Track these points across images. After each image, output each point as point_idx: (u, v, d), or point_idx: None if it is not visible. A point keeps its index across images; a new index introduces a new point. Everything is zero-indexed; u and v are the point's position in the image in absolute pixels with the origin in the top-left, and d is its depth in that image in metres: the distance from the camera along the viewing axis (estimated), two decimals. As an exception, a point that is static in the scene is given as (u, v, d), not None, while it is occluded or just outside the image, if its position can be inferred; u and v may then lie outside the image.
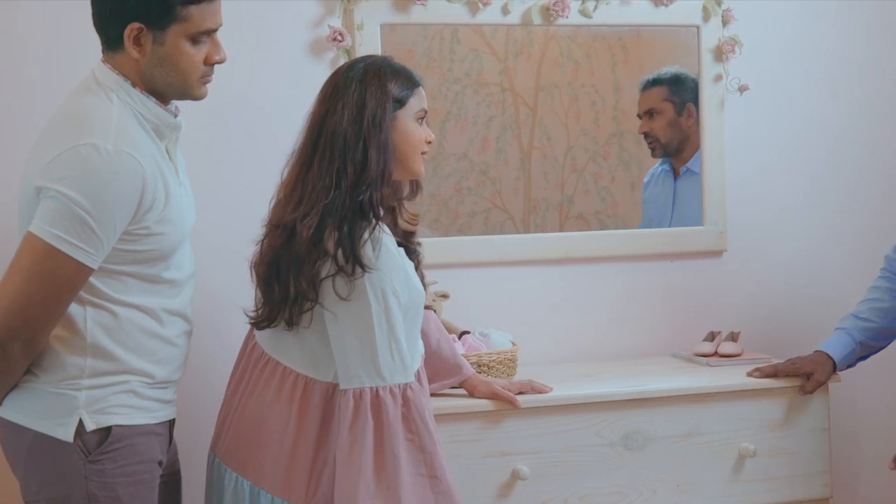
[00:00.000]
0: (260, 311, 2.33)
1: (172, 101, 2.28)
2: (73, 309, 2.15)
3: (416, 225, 2.46)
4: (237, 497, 2.33)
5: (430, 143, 2.38)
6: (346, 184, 2.24)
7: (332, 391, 2.30)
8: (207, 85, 2.27)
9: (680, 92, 3.36)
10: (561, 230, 3.29)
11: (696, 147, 3.36)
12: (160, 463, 2.29)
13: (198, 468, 2.59)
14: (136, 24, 2.14)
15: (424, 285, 2.44)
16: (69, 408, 2.16)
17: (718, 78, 3.35)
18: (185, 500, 2.52)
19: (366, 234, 2.23)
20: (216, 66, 2.26)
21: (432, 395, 2.58)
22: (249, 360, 2.40)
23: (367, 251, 2.22)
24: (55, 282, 2.08)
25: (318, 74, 2.87)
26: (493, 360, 2.90)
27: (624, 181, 3.35)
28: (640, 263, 3.34)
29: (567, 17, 3.20)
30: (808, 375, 2.93)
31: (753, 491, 2.91)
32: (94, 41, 2.23)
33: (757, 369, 2.98)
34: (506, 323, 3.17)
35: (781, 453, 2.94)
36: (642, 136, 3.35)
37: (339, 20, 3.06)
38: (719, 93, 3.35)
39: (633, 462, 2.83)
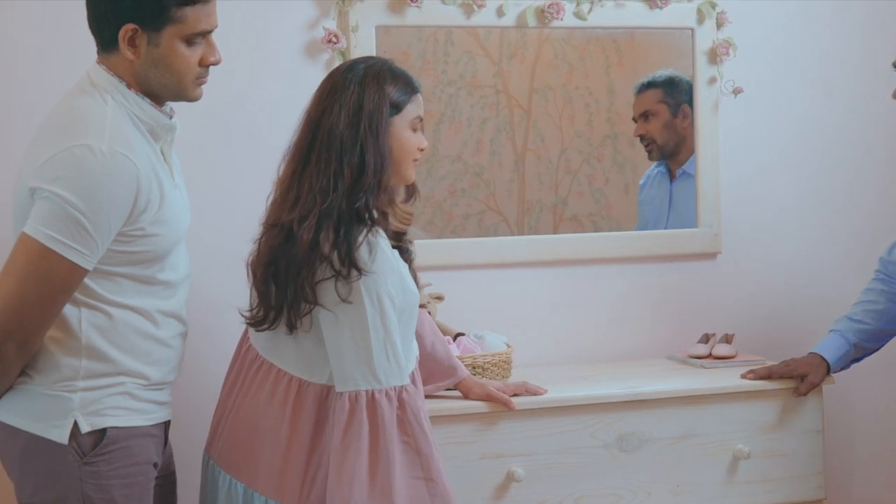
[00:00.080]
0: (255, 311, 2.32)
1: (167, 103, 2.28)
2: (68, 310, 2.15)
3: (409, 224, 2.45)
4: (231, 499, 2.33)
5: (422, 150, 2.38)
6: (342, 187, 2.24)
7: (325, 393, 2.30)
8: (202, 86, 2.27)
9: (674, 94, 3.37)
10: (555, 232, 3.29)
11: (693, 150, 3.37)
12: (155, 465, 2.28)
13: (193, 470, 2.59)
14: (130, 26, 2.14)
15: (418, 285, 2.44)
16: (64, 410, 2.15)
17: (713, 80, 3.35)
18: (180, 501, 2.51)
19: (361, 238, 2.23)
20: (211, 68, 2.26)
21: (427, 396, 2.58)
22: (244, 363, 2.40)
23: (362, 254, 2.22)
24: (49, 283, 2.07)
25: (312, 76, 2.88)
26: (488, 362, 2.90)
27: (618, 183, 3.35)
28: (635, 265, 3.34)
29: (562, 19, 3.20)
30: (801, 377, 2.94)
31: (748, 493, 2.92)
32: (89, 42, 2.23)
33: (751, 371, 2.99)
34: (500, 325, 3.17)
35: (776, 455, 2.94)
36: (638, 139, 3.35)
37: (333, 22, 3.06)
38: (713, 95, 3.35)
39: (628, 464, 2.83)
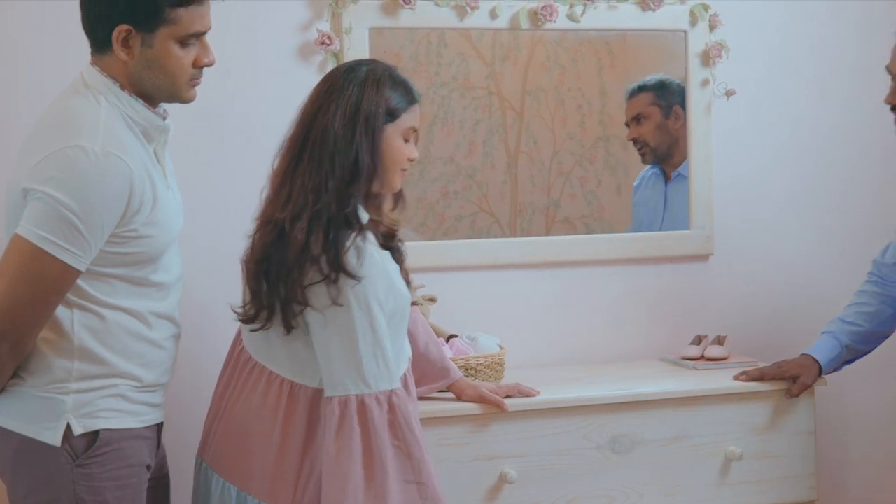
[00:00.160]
0: (247, 308, 2.32)
1: (161, 104, 2.28)
2: (61, 311, 2.14)
3: (396, 231, 2.45)
4: (224, 502, 2.32)
5: (411, 160, 2.38)
6: (333, 188, 2.24)
7: (318, 397, 2.29)
8: (196, 88, 2.27)
9: (665, 96, 3.37)
10: (547, 234, 3.29)
11: (686, 153, 3.37)
12: (148, 467, 2.28)
13: (186, 472, 2.58)
14: (124, 27, 2.14)
15: (409, 284, 2.44)
16: (57, 412, 2.15)
17: (705, 82, 3.35)
18: (172, 504, 2.51)
19: (349, 243, 2.22)
20: (205, 69, 2.26)
21: (420, 398, 2.58)
22: (237, 365, 2.40)
23: (350, 259, 2.22)
24: (42, 283, 2.07)
25: (306, 78, 2.87)
26: (481, 364, 2.90)
27: (610, 185, 3.36)
28: (627, 267, 3.35)
29: (555, 21, 3.20)
30: (794, 379, 2.94)
31: (740, 494, 2.92)
32: (82, 43, 2.22)
33: (743, 373, 2.99)
34: (493, 326, 3.16)
35: (768, 456, 2.95)
36: (631, 142, 3.36)
37: (327, 24, 3.06)
38: (706, 97, 3.36)
39: (621, 465, 2.84)
